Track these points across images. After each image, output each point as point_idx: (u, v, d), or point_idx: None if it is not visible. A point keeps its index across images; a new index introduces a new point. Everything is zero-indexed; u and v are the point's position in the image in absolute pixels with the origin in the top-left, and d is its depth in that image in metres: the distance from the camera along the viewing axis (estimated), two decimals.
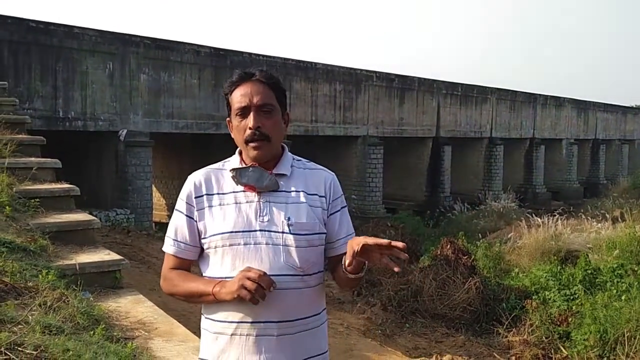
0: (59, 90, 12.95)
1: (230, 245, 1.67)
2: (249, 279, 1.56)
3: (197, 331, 3.48)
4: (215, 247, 1.69)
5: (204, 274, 1.76)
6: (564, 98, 31.07)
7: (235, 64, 16.61)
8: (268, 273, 1.60)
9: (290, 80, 17.78)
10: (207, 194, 1.73)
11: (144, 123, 14.54)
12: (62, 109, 13.00)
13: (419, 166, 23.11)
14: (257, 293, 1.55)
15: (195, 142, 18.07)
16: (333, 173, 1.85)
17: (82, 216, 4.22)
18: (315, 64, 18.81)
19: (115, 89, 13.96)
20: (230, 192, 1.73)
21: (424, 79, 22.96)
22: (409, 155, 23.12)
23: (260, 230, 1.67)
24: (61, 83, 12.98)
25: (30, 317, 2.42)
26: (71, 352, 2.11)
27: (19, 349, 2.08)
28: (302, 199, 1.74)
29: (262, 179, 1.70)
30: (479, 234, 14.24)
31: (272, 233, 1.67)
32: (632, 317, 6.01)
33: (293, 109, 17.97)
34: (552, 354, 6.15)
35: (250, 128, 1.69)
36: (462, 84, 24.65)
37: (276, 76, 1.80)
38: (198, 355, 1.82)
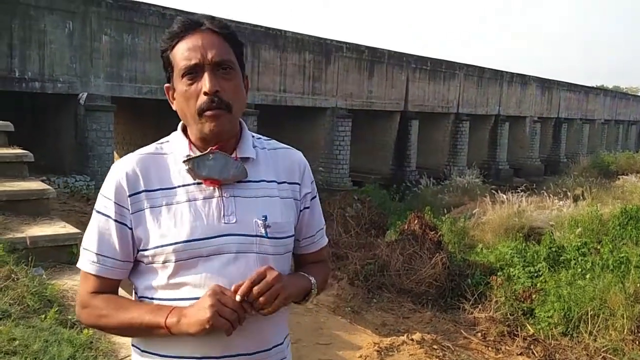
0: (15, 49, 12.28)
1: (188, 258, 1.25)
2: (225, 304, 1.18)
3: None
4: (165, 262, 1.26)
5: (142, 295, 1.32)
6: (530, 76, 31.38)
7: None
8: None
9: (259, 48, 17.36)
10: (146, 190, 1.30)
11: (105, 87, 13.99)
12: (18, 68, 12.36)
13: (386, 140, 23.07)
14: (235, 322, 1.18)
15: (160, 109, 17.52)
16: (300, 152, 1.48)
17: (35, 184, 3.93)
18: (285, 32, 18.37)
19: (75, 49, 13.33)
20: (180, 186, 1.30)
21: (394, 51, 22.75)
22: (377, 128, 23.03)
23: (227, 235, 1.27)
24: (17, 41, 12.30)
25: None
26: (18, 341, 1.89)
27: None
28: (274, 190, 1.35)
29: (227, 169, 1.29)
30: (444, 209, 14.36)
31: (242, 237, 1.28)
32: (596, 296, 6.07)
33: (262, 78, 17.56)
34: (517, 331, 6.19)
35: (205, 93, 1.26)
36: (431, 59, 24.56)
37: (232, 26, 1.34)
38: None
